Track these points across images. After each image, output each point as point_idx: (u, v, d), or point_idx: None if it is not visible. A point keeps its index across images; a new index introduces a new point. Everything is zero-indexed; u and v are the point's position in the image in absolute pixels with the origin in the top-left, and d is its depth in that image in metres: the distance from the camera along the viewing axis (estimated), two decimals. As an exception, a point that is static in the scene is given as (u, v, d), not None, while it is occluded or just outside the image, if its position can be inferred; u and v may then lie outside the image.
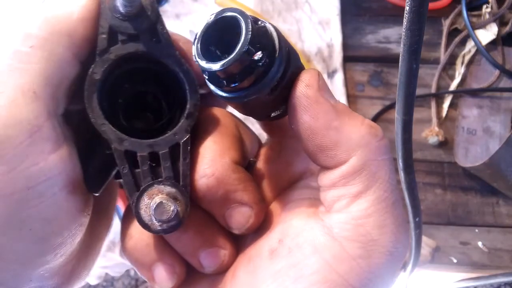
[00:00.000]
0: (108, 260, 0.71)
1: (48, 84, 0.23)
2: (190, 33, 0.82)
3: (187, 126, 0.26)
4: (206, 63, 0.23)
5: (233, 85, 0.23)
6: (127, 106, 0.28)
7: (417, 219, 0.47)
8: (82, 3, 0.24)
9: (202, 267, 0.27)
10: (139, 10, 0.25)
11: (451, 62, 0.83)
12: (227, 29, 0.23)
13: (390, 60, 0.83)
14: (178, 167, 0.25)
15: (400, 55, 0.30)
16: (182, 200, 0.25)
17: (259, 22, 0.24)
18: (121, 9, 0.24)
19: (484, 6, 0.84)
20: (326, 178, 0.24)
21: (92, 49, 0.25)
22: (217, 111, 0.29)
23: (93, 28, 0.24)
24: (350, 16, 0.86)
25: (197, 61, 0.23)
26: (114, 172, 0.27)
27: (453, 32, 0.85)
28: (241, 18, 0.22)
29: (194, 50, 0.24)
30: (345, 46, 0.84)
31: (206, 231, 0.27)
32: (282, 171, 0.30)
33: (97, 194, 0.27)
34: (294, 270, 0.23)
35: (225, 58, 0.22)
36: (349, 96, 0.80)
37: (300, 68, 0.25)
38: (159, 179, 0.25)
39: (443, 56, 0.82)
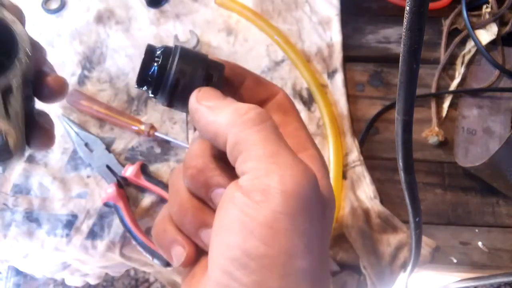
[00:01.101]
0: (108, 260, 0.71)
1: None
2: (190, 33, 0.82)
3: (21, 70, 0.29)
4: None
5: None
6: None
7: (417, 219, 0.47)
8: None
9: (205, 245, 0.32)
10: None
11: (451, 62, 0.83)
12: None
13: (390, 60, 0.83)
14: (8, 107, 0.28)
15: (400, 55, 0.30)
16: (12, 133, 0.27)
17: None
18: None
19: (484, 6, 0.84)
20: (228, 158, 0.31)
21: None
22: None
23: None
24: (350, 16, 0.86)
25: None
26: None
27: (453, 32, 0.85)
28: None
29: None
30: (345, 46, 0.84)
31: (202, 214, 0.32)
32: None
33: None
34: (220, 223, 0.29)
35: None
36: (349, 96, 0.80)
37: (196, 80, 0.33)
38: None
39: (443, 56, 0.82)
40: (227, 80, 0.35)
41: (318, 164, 0.33)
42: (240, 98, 0.36)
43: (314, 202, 0.28)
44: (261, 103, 0.36)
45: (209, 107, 0.31)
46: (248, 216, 0.26)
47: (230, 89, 0.36)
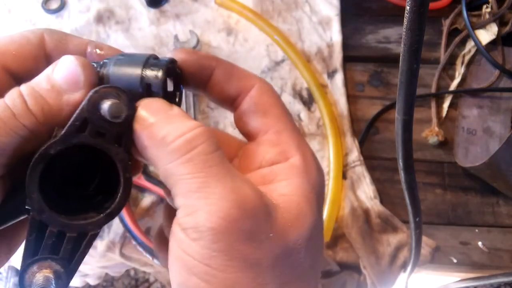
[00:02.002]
0: (108, 260, 0.71)
1: None
2: (190, 33, 0.82)
3: (102, 223, 0.27)
4: None
5: None
6: (65, 175, 0.30)
7: (417, 219, 0.47)
8: (73, 103, 0.27)
9: None
10: (120, 120, 0.27)
11: (451, 62, 0.83)
12: None
13: (390, 60, 0.83)
14: (77, 252, 0.27)
15: (401, 55, 0.30)
16: (62, 278, 0.27)
17: None
18: (107, 116, 0.26)
19: (484, 6, 0.84)
20: None
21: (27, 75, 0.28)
22: None
23: (28, 62, 0.29)
24: (350, 16, 0.86)
25: None
26: (19, 219, 0.28)
27: (453, 32, 0.85)
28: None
29: None
30: (345, 46, 0.84)
31: None
32: None
33: None
34: (169, 256, 0.28)
35: None
36: (349, 96, 0.80)
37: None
38: (54, 256, 0.26)
39: (443, 56, 0.82)
40: (191, 75, 0.31)
41: (295, 175, 0.29)
42: (210, 95, 0.33)
43: (250, 228, 0.25)
44: (233, 100, 0.32)
45: (143, 129, 0.27)
46: (186, 253, 0.25)
47: (196, 85, 0.32)
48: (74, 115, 0.26)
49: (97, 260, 0.70)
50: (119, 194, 0.27)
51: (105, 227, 0.69)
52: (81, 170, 0.31)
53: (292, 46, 0.82)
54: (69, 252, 0.27)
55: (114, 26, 0.85)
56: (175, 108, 0.28)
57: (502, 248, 0.70)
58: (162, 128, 0.26)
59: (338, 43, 0.83)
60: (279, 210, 0.27)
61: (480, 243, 0.71)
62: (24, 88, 0.26)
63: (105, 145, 0.27)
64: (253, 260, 0.25)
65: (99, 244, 0.68)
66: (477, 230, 0.72)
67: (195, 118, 0.77)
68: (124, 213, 0.68)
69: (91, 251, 0.68)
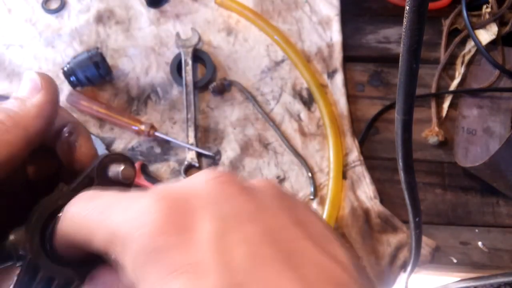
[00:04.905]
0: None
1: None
2: (192, 31, 0.82)
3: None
4: None
5: None
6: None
7: (417, 219, 0.47)
8: (37, 104, 0.28)
9: None
10: (128, 183, 0.29)
11: (451, 62, 0.83)
12: None
13: (390, 60, 0.83)
14: None
15: (400, 55, 0.30)
16: None
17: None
18: (119, 177, 0.29)
19: (484, 6, 0.84)
20: None
21: (42, 139, 0.29)
22: None
23: (45, 124, 0.29)
24: (350, 16, 0.86)
25: None
26: (6, 265, 0.29)
27: (453, 32, 0.85)
28: None
29: None
30: (345, 46, 0.84)
31: None
32: None
33: None
34: None
35: None
36: (349, 96, 0.80)
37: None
38: None
39: (443, 56, 0.82)
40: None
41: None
42: None
43: None
44: None
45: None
46: None
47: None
48: (84, 173, 0.29)
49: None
50: None
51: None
52: None
53: (292, 46, 0.82)
54: None
55: (114, 26, 0.85)
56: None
57: (502, 248, 0.70)
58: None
59: (338, 43, 0.83)
60: None
61: (480, 243, 0.71)
62: None
63: None
64: None
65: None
66: (477, 230, 0.72)
67: (195, 118, 0.77)
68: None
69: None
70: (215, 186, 0.22)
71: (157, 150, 0.76)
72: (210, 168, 0.25)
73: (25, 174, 0.31)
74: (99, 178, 0.29)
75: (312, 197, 0.72)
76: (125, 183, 0.30)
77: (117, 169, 0.29)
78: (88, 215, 0.23)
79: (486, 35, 0.82)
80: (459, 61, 0.83)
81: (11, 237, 0.27)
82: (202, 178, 0.23)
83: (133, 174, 0.30)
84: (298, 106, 0.79)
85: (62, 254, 0.27)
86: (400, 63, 0.30)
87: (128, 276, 0.21)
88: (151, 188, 0.24)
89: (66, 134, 0.31)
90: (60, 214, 0.26)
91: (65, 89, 0.77)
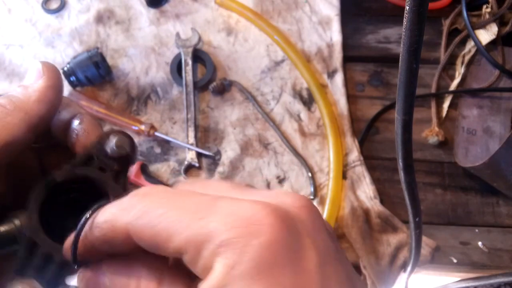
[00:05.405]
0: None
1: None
2: (192, 31, 0.82)
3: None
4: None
5: None
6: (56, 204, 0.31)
7: (417, 219, 0.47)
8: (38, 89, 0.29)
9: None
10: (123, 153, 0.30)
11: (451, 62, 0.83)
12: None
13: (390, 60, 0.83)
14: (61, 276, 0.28)
15: (400, 55, 0.30)
16: None
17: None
18: (113, 146, 0.29)
19: (484, 6, 0.84)
20: None
21: (44, 126, 0.30)
22: None
23: (47, 109, 0.29)
24: (350, 16, 0.86)
25: None
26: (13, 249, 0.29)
27: (453, 32, 0.85)
28: None
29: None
30: (345, 46, 0.84)
31: None
32: None
33: None
34: None
35: None
36: (349, 96, 0.80)
37: None
38: (40, 277, 0.27)
39: (443, 56, 0.82)
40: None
41: None
42: None
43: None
44: None
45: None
46: None
47: None
48: (84, 151, 0.30)
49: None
50: None
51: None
52: (70, 203, 0.32)
53: (292, 46, 0.82)
54: (54, 275, 0.27)
55: (114, 26, 0.85)
56: None
57: (502, 248, 0.70)
58: None
59: (338, 43, 0.83)
60: None
61: (480, 243, 0.71)
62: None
63: (104, 179, 0.29)
64: None
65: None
66: (477, 230, 0.72)
67: (195, 118, 0.77)
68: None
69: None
70: (310, 215, 0.23)
71: (157, 150, 0.76)
72: (293, 193, 0.23)
73: (42, 168, 0.32)
74: (98, 154, 0.29)
75: (312, 197, 0.72)
76: (123, 155, 0.29)
77: (112, 141, 0.29)
78: (169, 217, 0.22)
79: (486, 35, 0.82)
80: (459, 61, 0.83)
81: (16, 220, 0.28)
82: (296, 202, 0.23)
83: (127, 142, 0.30)
84: (298, 106, 0.79)
85: (92, 245, 0.25)
86: (400, 63, 0.30)
87: (213, 281, 0.20)
88: (244, 192, 0.24)
89: (76, 124, 0.31)
90: (99, 206, 0.26)
91: (65, 89, 0.77)
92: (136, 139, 0.76)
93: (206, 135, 0.77)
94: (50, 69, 0.31)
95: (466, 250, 0.70)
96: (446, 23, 0.85)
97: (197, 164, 0.74)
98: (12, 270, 0.27)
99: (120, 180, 0.30)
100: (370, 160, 0.76)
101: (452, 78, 0.82)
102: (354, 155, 0.75)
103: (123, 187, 0.30)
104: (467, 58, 0.82)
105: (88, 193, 0.31)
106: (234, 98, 0.79)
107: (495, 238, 0.71)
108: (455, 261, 0.70)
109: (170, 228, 0.21)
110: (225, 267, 0.20)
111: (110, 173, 0.30)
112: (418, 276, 0.71)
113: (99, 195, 0.29)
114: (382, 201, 0.72)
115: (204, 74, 0.81)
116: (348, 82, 0.81)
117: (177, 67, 0.80)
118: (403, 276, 0.68)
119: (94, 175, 0.29)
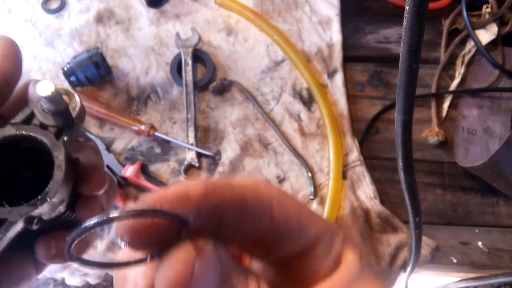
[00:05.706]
0: (108, 260, 0.71)
1: None
2: (192, 31, 0.82)
3: (24, 212, 0.28)
4: None
5: None
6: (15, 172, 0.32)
7: (417, 219, 0.47)
8: None
9: None
10: (60, 111, 0.29)
11: (451, 62, 0.83)
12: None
13: (390, 60, 0.83)
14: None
15: (400, 55, 0.30)
16: None
17: None
18: (45, 106, 0.29)
19: (484, 6, 0.84)
20: None
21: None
22: None
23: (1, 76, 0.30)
24: (350, 16, 0.86)
25: None
26: None
27: (453, 32, 0.85)
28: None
29: None
30: (345, 46, 0.84)
31: None
32: None
33: None
34: None
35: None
36: (349, 96, 0.80)
37: None
38: None
39: (443, 56, 0.82)
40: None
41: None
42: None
43: None
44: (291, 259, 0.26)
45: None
46: None
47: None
48: (23, 110, 0.30)
49: (97, 260, 0.70)
50: (48, 186, 0.28)
51: (105, 227, 0.69)
52: (22, 166, 0.33)
53: (292, 46, 0.82)
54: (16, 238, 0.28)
55: (114, 26, 0.85)
56: None
57: (502, 248, 0.70)
58: None
59: (338, 43, 0.83)
60: None
61: (480, 243, 0.71)
62: None
63: (42, 135, 0.29)
64: None
65: (99, 244, 0.68)
66: (477, 230, 0.72)
67: (195, 118, 0.77)
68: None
69: (91, 250, 0.68)
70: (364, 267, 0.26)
71: (157, 150, 0.76)
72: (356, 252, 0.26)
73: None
74: (38, 110, 0.29)
75: (312, 197, 0.72)
76: (61, 110, 0.29)
77: (46, 97, 0.29)
78: (307, 209, 0.25)
79: (486, 35, 0.82)
80: (459, 61, 0.83)
81: None
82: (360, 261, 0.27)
83: (59, 96, 0.29)
84: (298, 106, 0.79)
85: (221, 205, 0.21)
86: (400, 63, 0.30)
87: (353, 266, 0.25)
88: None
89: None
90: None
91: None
92: (136, 139, 0.76)
93: (206, 135, 0.77)
94: (6, 41, 0.32)
95: (466, 250, 0.70)
96: (446, 23, 0.85)
97: (197, 164, 0.74)
98: None
99: (61, 137, 0.30)
100: (370, 160, 0.76)
101: (452, 78, 0.82)
102: (354, 155, 0.75)
103: (67, 144, 0.29)
104: (467, 58, 0.82)
105: (35, 151, 0.31)
106: (234, 98, 0.79)
107: (495, 238, 0.71)
108: (455, 261, 0.70)
109: (311, 215, 0.25)
110: (356, 255, 0.25)
111: (52, 129, 0.30)
112: (418, 276, 0.71)
113: (44, 152, 0.29)
114: (382, 201, 0.72)
115: (204, 74, 0.81)
116: (348, 82, 0.81)
117: (177, 67, 0.80)
118: (403, 276, 0.68)
119: (32, 133, 0.29)
